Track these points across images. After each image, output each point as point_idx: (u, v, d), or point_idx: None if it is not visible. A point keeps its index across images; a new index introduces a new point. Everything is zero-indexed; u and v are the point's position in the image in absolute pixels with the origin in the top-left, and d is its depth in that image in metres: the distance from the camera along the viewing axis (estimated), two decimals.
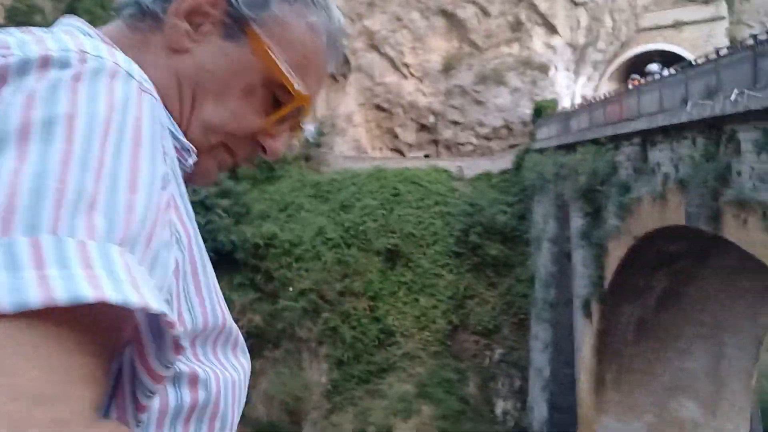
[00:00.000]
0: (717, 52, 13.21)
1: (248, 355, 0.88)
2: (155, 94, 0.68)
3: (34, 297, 0.49)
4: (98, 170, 0.57)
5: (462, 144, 29.71)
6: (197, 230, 0.79)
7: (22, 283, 0.50)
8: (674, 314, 18.30)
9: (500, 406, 23.71)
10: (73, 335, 0.53)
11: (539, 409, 22.19)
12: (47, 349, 0.51)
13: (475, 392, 23.60)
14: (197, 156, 0.83)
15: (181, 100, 0.83)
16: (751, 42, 11.48)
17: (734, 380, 19.33)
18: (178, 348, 0.60)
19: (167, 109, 0.76)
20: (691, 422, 19.82)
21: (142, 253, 0.59)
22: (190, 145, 0.81)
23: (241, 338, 0.87)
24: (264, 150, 0.91)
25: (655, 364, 19.21)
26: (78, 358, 0.53)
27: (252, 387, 18.44)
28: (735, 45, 14.30)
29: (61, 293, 0.50)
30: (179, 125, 0.81)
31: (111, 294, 0.52)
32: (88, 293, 0.51)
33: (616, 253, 17.44)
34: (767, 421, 21.56)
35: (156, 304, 0.55)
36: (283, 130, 0.91)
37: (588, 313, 19.30)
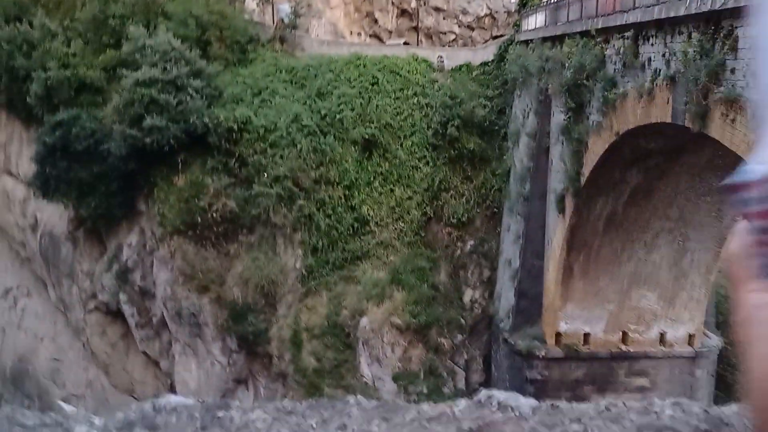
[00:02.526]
0: None
1: None
2: None
3: None
4: None
5: (443, 33, 28.99)
6: None
7: None
8: (644, 209, 18.82)
9: (469, 294, 24.55)
10: None
11: (506, 298, 23.09)
12: None
13: (446, 280, 24.33)
14: None
15: None
16: None
17: (694, 274, 20.30)
18: None
19: None
20: (649, 312, 20.93)
21: None
22: None
23: None
24: None
25: (621, 256, 19.95)
26: None
27: (227, 270, 18.62)
28: None
29: None
30: None
31: None
32: None
33: (595, 149, 17.62)
34: (720, 312, 22.82)
35: None
36: None
37: (561, 207, 19.73)
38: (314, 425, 2.03)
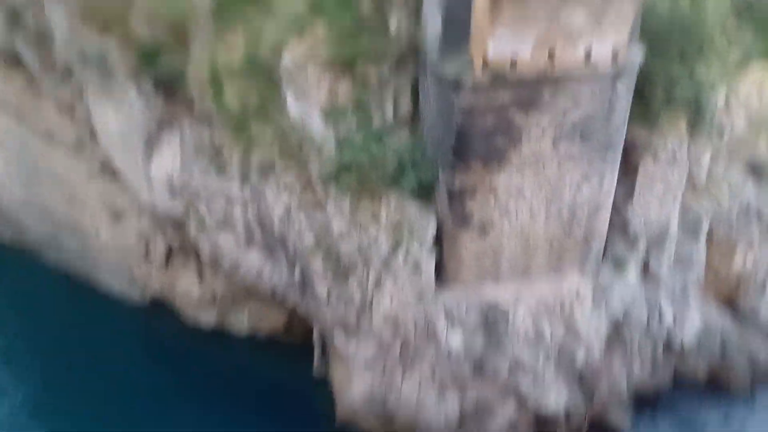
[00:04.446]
0: None
1: None
2: None
3: None
4: None
5: None
6: None
7: None
8: None
9: (395, 22, 23.29)
10: None
11: (433, 24, 22.11)
12: None
13: (370, 9, 22.81)
14: None
15: None
16: None
17: None
18: None
19: None
20: (576, 31, 20.59)
21: None
22: None
23: None
24: None
25: None
26: None
27: (130, 5, 16.71)
28: None
29: None
30: None
31: None
32: None
33: None
34: (644, 25, 22.58)
35: None
36: None
37: None
38: None
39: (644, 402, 27.63)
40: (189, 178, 26.50)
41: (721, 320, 29.16)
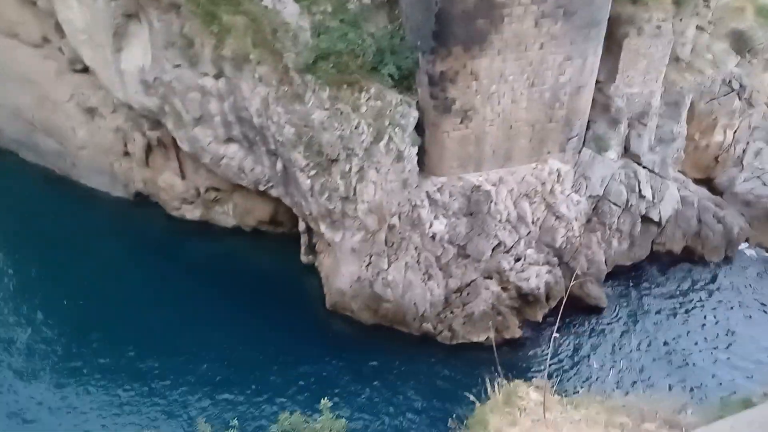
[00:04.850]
0: None
1: None
2: None
3: None
4: None
5: None
6: None
7: None
8: None
9: None
10: None
11: None
12: None
13: None
14: None
15: None
16: None
17: None
18: None
19: None
20: None
21: None
22: None
23: None
24: None
25: None
26: None
27: None
28: None
29: None
30: None
31: None
32: None
33: None
34: None
35: None
36: None
37: None
38: None
39: (622, 276, 28.68)
40: (161, 72, 25.66)
41: (698, 193, 29.75)
